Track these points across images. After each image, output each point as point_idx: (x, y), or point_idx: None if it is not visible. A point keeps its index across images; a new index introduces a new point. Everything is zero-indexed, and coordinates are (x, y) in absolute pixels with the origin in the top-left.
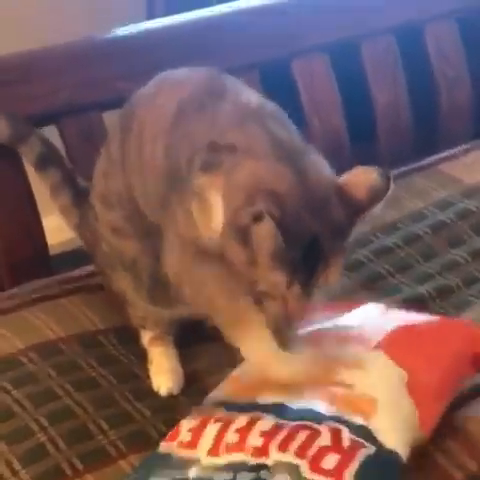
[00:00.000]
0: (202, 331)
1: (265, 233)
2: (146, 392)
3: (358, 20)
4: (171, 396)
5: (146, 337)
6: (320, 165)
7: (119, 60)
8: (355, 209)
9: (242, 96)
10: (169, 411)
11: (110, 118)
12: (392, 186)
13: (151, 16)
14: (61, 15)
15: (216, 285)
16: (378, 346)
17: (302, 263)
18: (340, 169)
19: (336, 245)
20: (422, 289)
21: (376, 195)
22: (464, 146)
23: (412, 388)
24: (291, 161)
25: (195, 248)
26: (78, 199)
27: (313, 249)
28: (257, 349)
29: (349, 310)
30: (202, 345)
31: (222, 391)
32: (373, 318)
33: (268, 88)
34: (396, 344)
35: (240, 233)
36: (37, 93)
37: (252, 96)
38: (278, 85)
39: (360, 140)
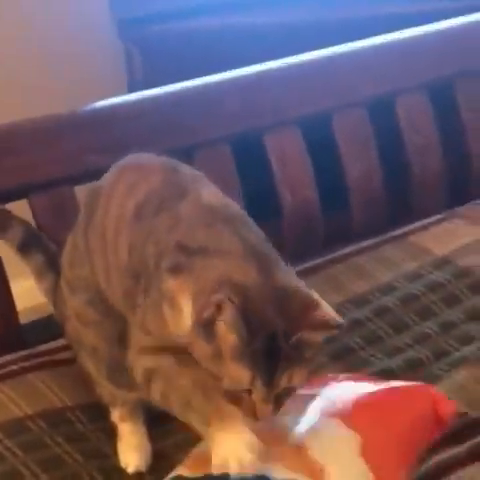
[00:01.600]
0: None
1: (227, 320)
2: (114, 470)
3: (330, 93)
4: (139, 473)
5: (116, 413)
6: (289, 271)
7: (92, 133)
8: (299, 326)
9: (203, 195)
10: None
11: (82, 192)
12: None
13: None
14: (41, 89)
15: (188, 383)
16: (335, 415)
17: (264, 360)
18: (313, 241)
19: (289, 345)
20: (392, 362)
21: (324, 332)
22: (436, 217)
23: (368, 452)
24: (259, 261)
25: (164, 344)
26: (59, 281)
27: (274, 348)
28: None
29: (320, 385)
30: (172, 422)
31: (181, 467)
32: (338, 391)
33: (240, 161)
34: (354, 411)
35: (205, 329)
36: (7, 168)
37: (214, 195)
38: (250, 158)
39: (332, 211)
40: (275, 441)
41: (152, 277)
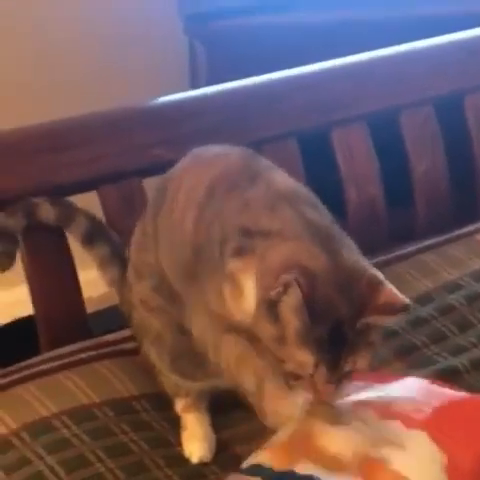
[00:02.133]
0: (236, 398)
1: (292, 303)
2: (178, 459)
3: (397, 90)
4: (203, 464)
5: (179, 404)
6: (355, 252)
7: (159, 128)
8: (367, 309)
9: (275, 180)
10: (201, 479)
11: (150, 185)
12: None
13: (194, 87)
14: (105, 83)
15: (246, 363)
16: (420, 425)
17: (328, 345)
18: (377, 238)
19: (354, 328)
20: (456, 361)
21: (391, 313)
22: None
23: (451, 473)
24: (324, 243)
25: (225, 325)
26: (125, 272)
27: (339, 332)
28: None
29: (391, 381)
30: (236, 412)
31: (259, 456)
32: (416, 393)
33: (307, 157)
34: (438, 424)
35: (270, 309)
36: (78, 160)
37: (285, 181)
38: (317, 154)
39: (397, 209)
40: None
41: (215, 259)
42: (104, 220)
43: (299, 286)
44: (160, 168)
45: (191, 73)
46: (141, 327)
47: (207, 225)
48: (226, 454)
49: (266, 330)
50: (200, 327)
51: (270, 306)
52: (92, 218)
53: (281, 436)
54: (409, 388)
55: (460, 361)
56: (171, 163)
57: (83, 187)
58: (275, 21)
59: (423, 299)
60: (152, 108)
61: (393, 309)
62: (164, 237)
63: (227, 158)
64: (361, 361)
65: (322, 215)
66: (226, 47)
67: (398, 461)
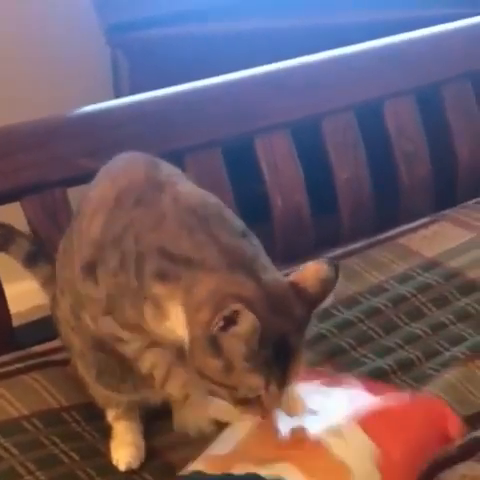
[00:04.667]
0: (168, 406)
1: (244, 330)
2: (109, 468)
3: (319, 98)
4: (134, 472)
5: (110, 414)
6: (269, 266)
7: (83, 137)
8: (311, 302)
9: (181, 193)
10: None
11: (74, 195)
12: (339, 275)
13: (117, 96)
14: (27, 94)
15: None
16: (355, 421)
17: (275, 362)
18: (303, 245)
19: (299, 340)
20: (383, 362)
21: (328, 285)
22: (424, 219)
23: (381, 463)
24: (243, 268)
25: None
26: None
27: (283, 348)
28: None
29: (334, 385)
30: (169, 420)
31: (196, 465)
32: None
33: (231, 165)
34: (370, 421)
35: (211, 344)
36: (1, 170)
37: (191, 191)
38: (241, 162)
39: (322, 215)
40: (294, 443)
41: (129, 271)
42: (28, 230)
43: (244, 314)
44: (85, 178)
45: (114, 83)
46: (66, 342)
47: (115, 233)
48: (159, 462)
49: (209, 363)
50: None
51: (211, 341)
52: (33, 239)
53: (217, 450)
54: (347, 395)
55: (386, 362)
56: (95, 172)
57: (5, 198)
58: (197, 31)
59: (349, 302)
60: (76, 118)
61: (326, 285)
62: (75, 246)
63: (132, 169)
64: (299, 368)
65: (234, 233)
66: (148, 57)
67: (339, 450)
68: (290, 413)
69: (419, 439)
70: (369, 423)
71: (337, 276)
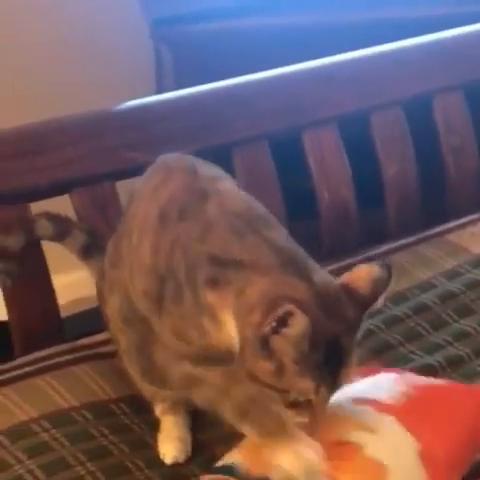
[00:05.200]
0: None
1: (296, 332)
2: (158, 461)
3: (368, 92)
4: (181, 465)
5: (158, 408)
6: (318, 268)
7: (131, 131)
8: (362, 304)
9: (225, 199)
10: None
11: (123, 188)
12: (392, 277)
13: (160, 91)
14: (71, 87)
15: (243, 396)
16: (391, 412)
17: (326, 365)
18: (349, 240)
19: (351, 342)
20: (432, 359)
21: (380, 286)
22: (472, 216)
23: (425, 458)
24: (295, 269)
25: (204, 354)
26: None
27: (333, 350)
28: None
29: (365, 376)
30: (212, 414)
31: (234, 457)
32: (386, 383)
33: (278, 159)
34: (409, 411)
35: (262, 346)
36: (51, 163)
37: (235, 197)
38: (288, 156)
39: (369, 210)
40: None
41: (183, 286)
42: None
43: (297, 315)
44: (132, 171)
45: (157, 77)
46: (114, 338)
47: (166, 254)
48: (206, 455)
49: (260, 366)
50: (179, 370)
51: (262, 343)
52: (88, 231)
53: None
54: (381, 379)
55: (435, 359)
56: (143, 166)
57: (56, 191)
58: (240, 25)
59: (397, 298)
60: (124, 111)
61: (377, 286)
62: (126, 256)
63: (172, 182)
64: (351, 372)
65: (279, 233)
66: (192, 51)
67: (371, 445)
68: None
69: (467, 426)
70: (407, 414)
71: (390, 277)
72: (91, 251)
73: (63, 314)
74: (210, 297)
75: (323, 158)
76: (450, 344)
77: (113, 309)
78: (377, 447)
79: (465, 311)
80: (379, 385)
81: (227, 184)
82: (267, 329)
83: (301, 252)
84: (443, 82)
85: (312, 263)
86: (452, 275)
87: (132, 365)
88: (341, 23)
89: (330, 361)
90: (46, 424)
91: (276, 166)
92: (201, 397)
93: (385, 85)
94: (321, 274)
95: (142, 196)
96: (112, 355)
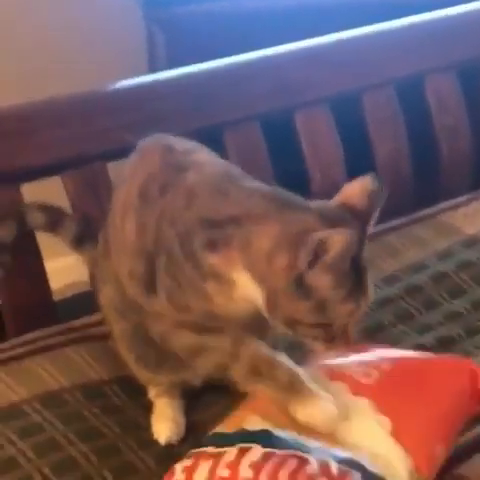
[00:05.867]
0: (208, 382)
1: (337, 252)
2: (150, 441)
3: (359, 73)
4: (174, 445)
5: (152, 391)
6: (309, 201)
7: (121, 111)
8: (363, 217)
9: (203, 165)
10: (173, 460)
11: (115, 169)
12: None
13: (153, 72)
14: (63, 68)
15: (252, 355)
16: (365, 393)
17: (358, 283)
18: None
19: (363, 256)
20: (423, 339)
21: (375, 198)
22: (465, 196)
23: (398, 435)
24: (292, 206)
25: (205, 322)
26: None
27: (356, 267)
28: (325, 420)
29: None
30: (208, 395)
31: (217, 428)
32: (369, 356)
33: (270, 140)
34: (382, 388)
35: (298, 287)
36: (42, 144)
37: (211, 161)
38: (280, 137)
39: None
40: None
41: (179, 257)
42: (68, 206)
43: (340, 233)
44: (123, 152)
45: (149, 58)
46: (107, 323)
47: (152, 231)
48: (199, 435)
49: (299, 307)
50: (181, 341)
51: (297, 283)
52: (80, 221)
53: (232, 414)
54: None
55: (427, 339)
56: (134, 146)
57: (47, 172)
58: (233, 7)
59: (389, 279)
60: (115, 92)
61: (374, 198)
62: (112, 245)
63: (147, 160)
64: (371, 289)
65: (260, 183)
66: (184, 32)
67: (344, 433)
68: None
69: (446, 399)
70: (382, 394)
71: (382, 188)
72: (84, 241)
73: (56, 298)
74: (212, 259)
75: (315, 139)
76: (442, 324)
77: (106, 298)
78: (349, 432)
79: (457, 291)
80: (357, 359)
81: (202, 154)
82: (303, 266)
83: (287, 192)
84: (435, 62)
85: (303, 199)
86: (444, 255)
87: (126, 351)
88: (333, 4)
89: (358, 278)
90: (37, 405)
91: (268, 147)
92: (207, 365)
93: (377, 65)
94: (317, 203)
95: (123, 180)
96: (105, 337)
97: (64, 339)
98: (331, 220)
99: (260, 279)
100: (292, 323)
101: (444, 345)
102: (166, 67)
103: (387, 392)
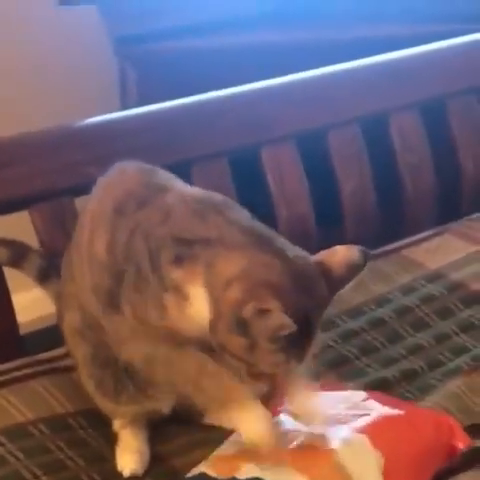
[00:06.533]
0: (173, 413)
1: (271, 327)
2: (114, 474)
3: (325, 110)
4: (138, 477)
5: (117, 423)
6: (289, 244)
7: (90, 146)
8: (334, 284)
9: (184, 189)
10: None
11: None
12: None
13: (125, 108)
14: (35, 104)
15: (198, 370)
16: (362, 430)
17: (296, 341)
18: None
19: (319, 319)
20: (387, 372)
21: (354, 271)
22: (428, 232)
23: (386, 472)
24: (268, 246)
25: (158, 333)
26: None
27: (303, 326)
28: (257, 429)
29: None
30: (173, 426)
31: (202, 467)
32: (356, 404)
33: (237, 176)
34: (377, 431)
35: (238, 324)
36: (10, 178)
37: (194, 189)
38: (247, 173)
39: (326, 226)
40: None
41: (146, 271)
42: (36, 240)
43: (274, 312)
44: (92, 186)
45: (121, 94)
46: (71, 354)
47: (124, 245)
48: (163, 467)
49: (233, 341)
50: (139, 352)
51: (238, 321)
52: (44, 255)
53: (225, 450)
54: (350, 400)
55: (390, 372)
56: None
57: (15, 206)
58: (204, 44)
59: (354, 313)
60: (85, 127)
61: (353, 269)
62: (76, 266)
63: (127, 178)
64: (315, 346)
65: (245, 214)
66: (156, 69)
67: (344, 455)
68: (307, 421)
69: (426, 449)
70: (376, 432)
71: (365, 264)
72: (48, 275)
73: (23, 331)
74: (175, 273)
75: (281, 175)
76: (405, 357)
77: (69, 324)
78: (348, 457)
79: (420, 325)
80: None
81: (183, 183)
82: (248, 314)
83: (269, 230)
84: (398, 100)
85: (283, 240)
86: (408, 290)
87: (87, 379)
88: (302, 41)
89: (300, 336)
90: (1, 438)
91: (234, 183)
92: (159, 376)
93: (342, 103)
94: (295, 250)
95: (94, 195)
96: (70, 369)
97: (30, 372)
98: (294, 275)
99: (212, 299)
100: (223, 350)
101: (407, 378)
102: (137, 103)
103: (379, 435)
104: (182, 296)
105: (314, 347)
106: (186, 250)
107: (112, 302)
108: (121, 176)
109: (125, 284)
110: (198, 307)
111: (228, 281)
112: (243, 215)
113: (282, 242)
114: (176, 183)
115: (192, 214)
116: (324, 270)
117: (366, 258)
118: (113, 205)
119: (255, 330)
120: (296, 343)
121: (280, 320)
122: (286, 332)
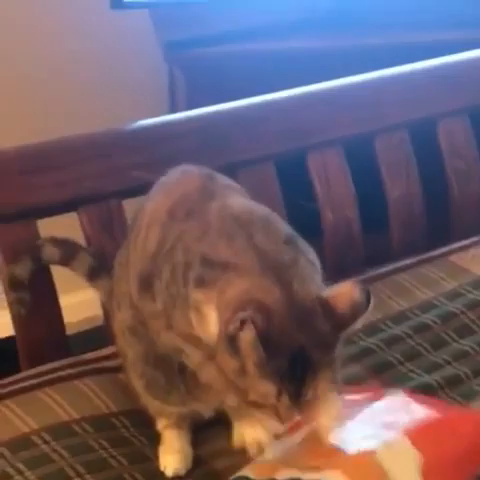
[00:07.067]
0: (216, 415)
1: (247, 340)
2: (156, 474)
3: (373, 115)
4: (181, 478)
5: (161, 423)
6: (306, 277)
7: (139, 150)
8: (339, 323)
9: (229, 201)
10: None
11: (129, 207)
12: (372, 302)
13: (173, 113)
14: (87, 110)
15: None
16: (403, 432)
17: (290, 374)
18: (353, 260)
19: (323, 357)
20: (431, 378)
21: (358, 310)
22: (474, 238)
23: (427, 472)
24: (276, 274)
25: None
26: None
27: (301, 361)
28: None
29: (375, 398)
30: (216, 428)
31: (244, 471)
32: (399, 408)
33: (283, 180)
34: (417, 432)
35: (230, 343)
36: (60, 181)
37: (239, 201)
38: (293, 177)
39: (373, 231)
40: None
41: (178, 280)
42: (84, 242)
43: (253, 323)
44: (139, 190)
45: (170, 99)
46: (121, 353)
47: (169, 248)
48: (205, 469)
49: (227, 362)
50: (172, 343)
51: (230, 340)
52: (94, 254)
53: (265, 457)
54: (393, 403)
55: (434, 378)
56: (150, 185)
57: (64, 208)
58: (252, 49)
59: (398, 318)
60: (133, 131)
61: (356, 309)
62: (132, 264)
63: (186, 181)
64: (322, 388)
65: (276, 241)
66: (205, 74)
67: (384, 457)
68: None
69: (466, 451)
70: (416, 433)
71: (368, 302)
72: (98, 273)
73: (69, 332)
74: (197, 295)
75: (328, 179)
76: (449, 364)
77: (120, 322)
78: (389, 459)
79: (465, 331)
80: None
81: (238, 194)
82: (230, 329)
83: (290, 257)
84: (448, 106)
85: (302, 270)
86: (453, 295)
87: (137, 378)
88: (348, 47)
89: (296, 371)
90: (46, 436)
91: (281, 186)
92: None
93: (390, 108)
94: (305, 283)
95: (152, 195)
96: (115, 369)
97: (75, 372)
98: (292, 306)
99: (218, 323)
100: (221, 372)
101: (451, 385)
102: (186, 108)
103: (421, 434)
104: (202, 316)
105: (318, 389)
106: (208, 272)
107: (147, 288)
108: (180, 178)
109: (161, 280)
110: (213, 330)
111: (227, 304)
112: (272, 236)
113: (299, 272)
114: (226, 192)
115: (222, 235)
116: (328, 308)
117: (368, 296)
118: (167, 207)
119: (241, 346)
120: (290, 377)
121: (249, 332)
122: (257, 342)
